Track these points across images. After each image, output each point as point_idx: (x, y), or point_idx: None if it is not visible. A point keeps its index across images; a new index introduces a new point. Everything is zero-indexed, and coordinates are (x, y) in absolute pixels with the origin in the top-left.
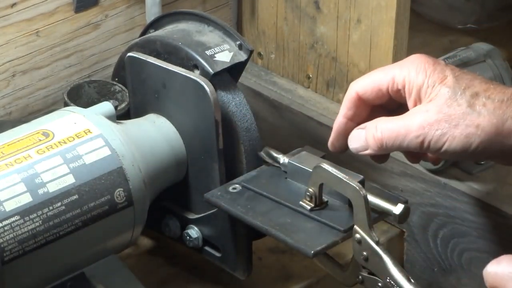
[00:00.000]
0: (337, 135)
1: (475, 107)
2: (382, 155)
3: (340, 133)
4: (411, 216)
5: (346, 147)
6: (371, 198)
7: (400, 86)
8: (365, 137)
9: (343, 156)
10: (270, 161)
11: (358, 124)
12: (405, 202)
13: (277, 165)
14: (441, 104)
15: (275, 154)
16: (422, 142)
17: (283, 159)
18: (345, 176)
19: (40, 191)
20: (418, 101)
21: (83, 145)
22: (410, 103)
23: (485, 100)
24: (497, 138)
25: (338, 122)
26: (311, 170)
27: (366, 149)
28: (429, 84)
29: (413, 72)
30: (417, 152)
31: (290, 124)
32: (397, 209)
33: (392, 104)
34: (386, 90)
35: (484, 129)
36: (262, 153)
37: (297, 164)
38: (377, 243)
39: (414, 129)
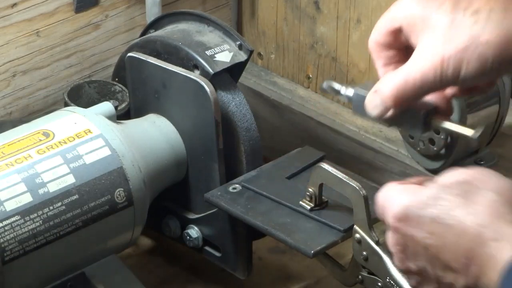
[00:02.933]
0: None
1: (479, 24)
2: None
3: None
4: None
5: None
6: (446, 124)
7: (401, 22)
8: (381, 99)
9: (343, 156)
10: (333, 93)
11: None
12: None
13: (341, 96)
14: (445, 32)
15: (336, 87)
16: (440, 76)
17: (345, 89)
18: (345, 176)
19: (41, 191)
20: (420, 34)
21: (83, 145)
22: (413, 39)
23: (488, 13)
24: (509, 48)
25: (381, 74)
26: None
27: (388, 110)
28: (428, 13)
29: (409, 5)
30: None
31: (290, 124)
32: (476, 132)
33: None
34: (391, 32)
35: (493, 43)
36: (324, 86)
37: (362, 95)
38: (377, 243)
39: (426, 68)
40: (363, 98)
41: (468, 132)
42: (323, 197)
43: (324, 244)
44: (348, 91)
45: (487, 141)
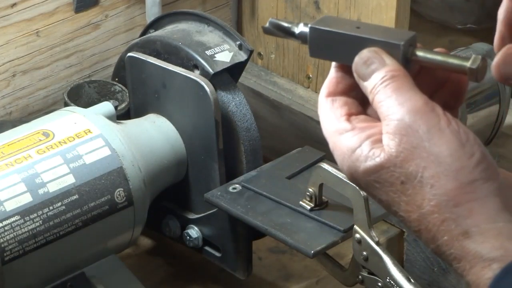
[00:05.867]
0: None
1: None
2: None
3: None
4: None
5: None
6: (437, 56)
7: None
8: None
9: None
10: (281, 34)
11: None
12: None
13: (292, 38)
14: None
15: (286, 24)
16: None
17: (297, 27)
18: (345, 176)
19: (40, 191)
20: None
21: (83, 145)
22: None
23: None
24: None
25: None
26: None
27: None
28: None
29: None
30: None
31: (290, 124)
32: (473, 62)
33: None
34: None
35: None
36: (268, 26)
37: (324, 28)
38: (377, 243)
39: None
40: (324, 34)
41: (463, 62)
42: (323, 197)
43: (324, 244)
44: (302, 27)
45: (488, 140)
